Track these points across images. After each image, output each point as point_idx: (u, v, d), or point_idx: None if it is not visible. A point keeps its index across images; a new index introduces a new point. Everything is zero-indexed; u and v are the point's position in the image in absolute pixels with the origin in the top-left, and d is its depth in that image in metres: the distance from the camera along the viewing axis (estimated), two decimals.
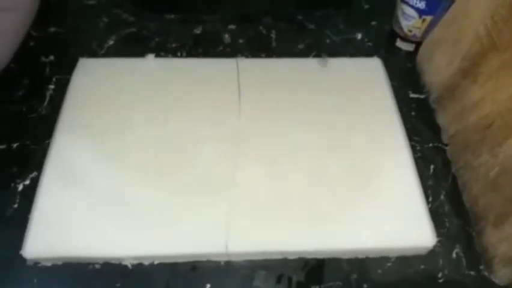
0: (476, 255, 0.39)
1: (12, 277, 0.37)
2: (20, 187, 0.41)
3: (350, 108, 0.45)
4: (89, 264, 0.37)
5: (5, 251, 0.37)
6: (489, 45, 0.39)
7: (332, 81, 0.45)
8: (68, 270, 0.37)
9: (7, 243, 0.38)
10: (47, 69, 0.50)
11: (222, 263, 0.38)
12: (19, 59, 0.50)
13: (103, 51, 0.51)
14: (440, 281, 0.38)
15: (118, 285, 0.36)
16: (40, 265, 0.37)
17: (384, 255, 0.38)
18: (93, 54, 0.50)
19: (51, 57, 0.50)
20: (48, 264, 0.37)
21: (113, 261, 0.37)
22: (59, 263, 0.37)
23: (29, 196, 0.39)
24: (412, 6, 0.49)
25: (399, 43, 0.53)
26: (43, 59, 0.50)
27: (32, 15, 0.47)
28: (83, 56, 0.48)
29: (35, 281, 0.37)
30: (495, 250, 0.37)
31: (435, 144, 0.45)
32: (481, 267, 0.38)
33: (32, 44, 0.51)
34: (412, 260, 0.38)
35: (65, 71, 0.48)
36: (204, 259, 0.38)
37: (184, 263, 0.37)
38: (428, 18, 0.49)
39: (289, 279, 0.37)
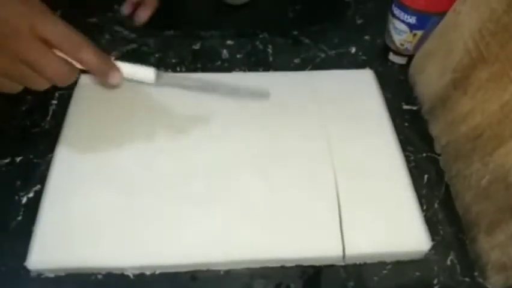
0: (470, 262, 0.39)
1: None
2: (24, 200, 0.42)
3: (342, 119, 0.46)
4: (92, 274, 0.38)
5: (9, 263, 0.38)
6: (478, 58, 0.40)
7: (325, 92, 0.46)
8: (71, 281, 0.37)
9: (11, 254, 0.38)
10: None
11: (222, 272, 0.38)
12: None
13: None
14: (436, 287, 0.38)
15: None
16: (43, 276, 0.38)
17: (380, 260, 0.39)
18: None
19: None
20: (52, 275, 0.38)
21: (115, 272, 0.38)
22: (63, 274, 0.38)
23: (32, 209, 0.40)
24: (403, 21, 0.50)
25: (392, 57, 0.54)
26: None
27: None
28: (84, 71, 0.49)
29: None
30: (488, 257, 0.38)
31: (429, 154, 0.46)
32: (475, 273, 0.39)
33: None
34: (408, 267, 0.39)
35: (67, 86, 0.47)
36: (204, 268, 0.38)
37: (185, 273, 0.38)
38: (419, 32, 0.50)
39: (288, 287, 0.38)
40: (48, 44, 0.36)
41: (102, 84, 0.44)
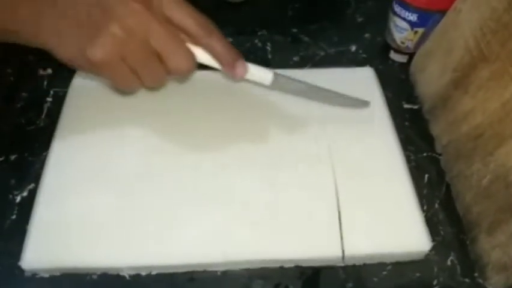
0: (471, 263, 0.39)
1: None
2: (18, 199, 0.41)
3: (342, 118, 0.45)
4: (87, 275, 0.37)
5: (3, 262, 0.38)
6: (479, 57, 0.40)
7: None
8: (66, 281, 0.37)
9: (5, 254, 0.38)
10: (45, 83, 0.50)
11: (219, 273, 0.38)
12: (18, 72, 0.51)
13: None
14: None
15: None
16: (38, 276, 0.37)
17: (381, 261, 0.39)
18: None
19: (49, 71, 0.51)
20: (46, 275, 0.37)
21: (110, 272, 0.37)
22: (57, 274, 0.37)
23: (26, 207, 0.40)
24: (404, 19, 0.50)
25: (393, 55, 0.54)
26: (41, 72, 0.51)
27: None
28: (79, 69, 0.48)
29: None
30: (488, 257, 0.38)
31: (429, 154, 0.46)
32: (475, 274, 0.38)
33: (30, 57, 0.52)
34: (407, 268, 0.39)
35: (62, 84, 0.48)
36: (201, 269, 0.38)
37: (182, 273, 0.38)
38: (420, 30, 0.50)
39: None
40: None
41: (226, 76, 0.40)
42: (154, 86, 0.37)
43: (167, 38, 0.34)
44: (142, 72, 0.35)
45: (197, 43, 0.36)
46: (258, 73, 0.40)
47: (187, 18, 0.35)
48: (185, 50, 0.35)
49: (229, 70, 0.38)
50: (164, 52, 0.34)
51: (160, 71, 0.35)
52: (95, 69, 0.34)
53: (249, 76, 0.39)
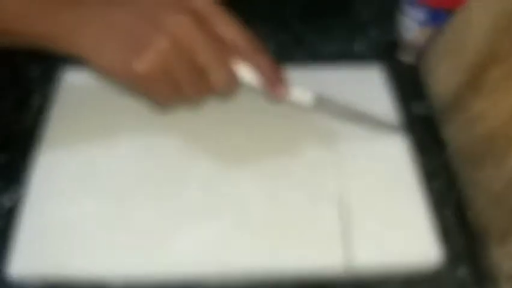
0: (482, 273, 0.38)
1: None
2: (5, 203, 0.40)
3: (349, 120, 0.44)
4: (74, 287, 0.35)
5: None
6: (490, 56, 0.39)
7: (332, 91, 0.44)
8: None
9: None
10: (33, 82, 0.49)
11: None
12: (5, 72, 0.50)
13: None
14: None
15: None
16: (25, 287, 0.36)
17: (389, 272, 0.37)
18: (79, 66, 0.48)
19: (37, 69, 0.50)
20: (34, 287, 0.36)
21: (100, 285, 0.35)
22: (45, 285, 0.35)
23: (14, 212, 0.38)
24: (412, 18, 0.49)
25: (401, 53, 0.53)
26: (28, 71, 0.50)
27: None
28: (68, 68, 0.47)
29: None
30: (500, 268, 0.37)
31: (440, 157, 0.45)
32: (487, 285, 0.37)
33: (18, 57, 0.50)
34: (417, 280, 0.37)
35: (51, 84, 0.47)
36: (195, 285, 0.36)
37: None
38: (429, 29, 0.49)
39: None
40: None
41: (268, 96, 0.39)
42: (194, 102, 0.38)
43: (213, 54, 0.34)
44: (184, 87, 0.35)
45: (243, 59, 0.36)
46: (299, 94, 0.39)
47: (236, 33, 0.35)
48: (228, 67, 0.36)
49: (272, 89, 0.38)
50: (209, 68, 0.34)
51: (202, 87, 0.35)
52: (138, 82, 0.34)
53: (290, 97, 0.39)
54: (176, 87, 0.35)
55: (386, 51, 0.54)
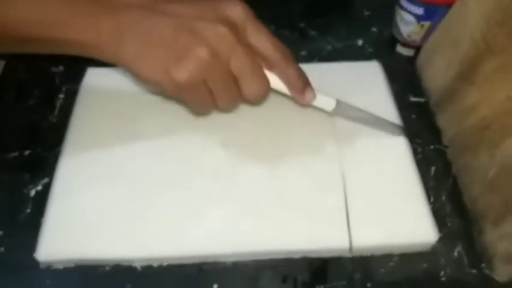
0: (477, 254, 0.39)
1: (26, 280, 0.38)
2: (32, 193, 0.42)
3: None
4: (100, 266, 0.38)
5: (18, 255, 0.39)
6: (485, 49, 0.40)
7: (331, 85, 0.45)
8: (80, 272, 0.38)
9: (20, 247, 0.39)
10: (57, 80, 0.51)
11: (229, 264, 0.38)
12: (30, 70, 0.52)
13: None
14: (442, 279, 0.38)
15: (129, 286, 0.37)
16: (53, 268, 0.38)
17: (388, 252, 0.39)
18: (101, 64, 0.51)
19: (61, 68, 0.52)
20: (61, 267, 0.38)
21: (123, 264, 0.38)
22: (71, 265, 0.38)
23: (41, 201, 0.41)
24: (410, 13, 0.50)
25: (400, 48, 0.54)
26: (53, 69, 0.52)
27: None
28: (91, 66, 0.49)
29: (48, 282, 0.38)
30: (495, 248, 0.38)
31: (436, 146, 0.46)
32: (482, 265, 0.39)
33: (42, 55, 0.52)
34: (414, 259, 0.39)
35: (74, 80, 0.49)
36: (211, 260, 0.38)
37: (192, 265, 0.38)
38: (427, 23, 0.50)
39: (295, 279, 0.38)
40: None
41: (298, 101, 0.40)
42: (227, 109, 0.38)
43: (248, 64, 0.35)
44: (219, 95, 0.36)
45: (272, 67, 0.37)
46: (322, 100, 0.41)
47: (267, 43, 0.36)
48: (263, 76, 0.36)
49: (299, 96, 0.39)
50: (243, 77, 0.35)
51: (236, 95, 0.36)
52: (178, 90, 0.34)
53: (314, 102, 0.40)
54: (211, 94, 0.36)
55: (386, 46, 0.55)
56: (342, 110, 0.42)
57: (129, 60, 0.35)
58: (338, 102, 0.41)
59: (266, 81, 0.37)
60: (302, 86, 0.38)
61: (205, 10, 0.34)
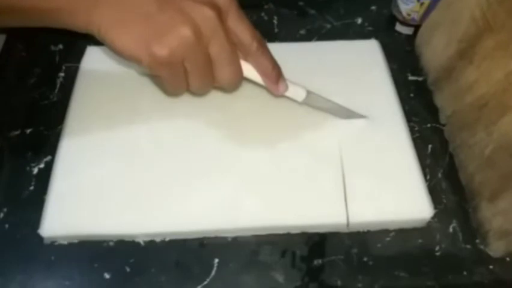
0: (472, 230, 0.40)
1: (31, 255, 0.39)
2: (35, 170, 0.43)
3: (348, 90, 0.46)
4: (104, 242, 0.39)
5: (23, 231, 0.39)
6: (484, 27, 0.40)
7: (330, 63, 0.46)
8: (84, 248, 0.39)
9: (24, 223, 0.39)
10: (57, 58, 0.51)
11: (229, 239, 0.39)
12: (30, 48, 0.52)
13: None
14: (437, 254, 0.39)
15: (132, 261, 0.38)
16: (57, 244, 0.39)
17: (384, 228, 0.40)
18: (101, 42, 0.51)
19: (60, 46, 0.52)
20: (65, 242, 0.39)
21: (126, 239, 0.39)
22: (75, 241, 0.39)
23: (44, 179, 0.41)
24: None
25: (399, 27, 0.54)
26: (53, 48, 0.52)
27: None
28: (91, 44, 0.49)
29: (52, 258, 0.38)
30: (490, 224, 0.38)
31: (433, 124, 0.46)
32: (477, 240, 0.39)
33: (41, 33, 0.51)
34: (410, 235, 0.40)
35: (74, 59, 0.49)
36: (212, 235, 0.39)
37: (194, 240, 0.39)
38: (426, 2, 0.50)
39: (293, 254, 0.39)
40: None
41: (271, 92, 0.40)
42: (198, 92, 0.38)
43: (227, 51, 0.34)
44: (194, 76, 0.35)
45: (248, 56, 0.37)
46: (294, 91, 0.41)
47: (246, 31, 0.35)
48: (238, 65, 0.36)
49: (272, 86, 0.39)
50: (219, 62, 0.35)
51: (210, 79, 0.36)
52: (155, 65, 0.33)
53: (287, 93, 0.41)
54: (186, 75, 0.35)
55: (385, 25, 0.55)
56: (312, 100, 0.43)
57: (104, 27, 0.33)
58: (308, 92, 0.42)
59: (240, 70, 0.37)
60: (276, 76, 0.38)
61: None
